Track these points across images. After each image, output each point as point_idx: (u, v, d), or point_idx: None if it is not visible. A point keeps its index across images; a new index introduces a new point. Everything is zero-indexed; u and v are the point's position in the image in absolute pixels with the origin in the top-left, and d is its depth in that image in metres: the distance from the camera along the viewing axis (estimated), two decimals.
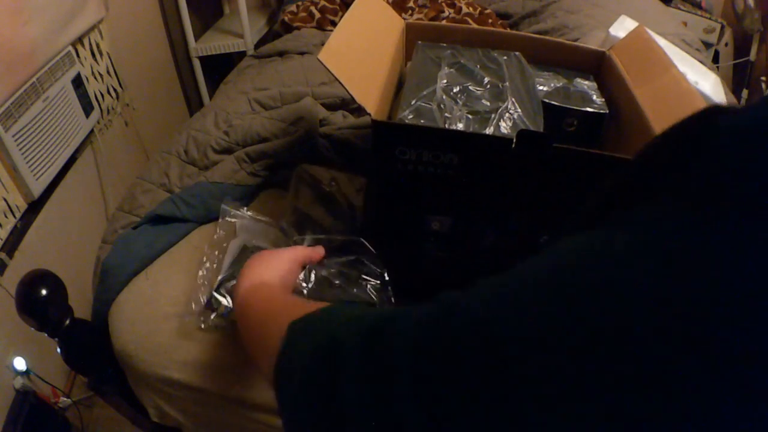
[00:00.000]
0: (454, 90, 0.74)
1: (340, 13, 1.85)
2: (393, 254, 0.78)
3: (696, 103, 0.68)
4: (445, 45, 0.85)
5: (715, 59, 2.23)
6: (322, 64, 0.63)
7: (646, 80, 0.76)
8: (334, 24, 1.83)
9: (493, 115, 0.71)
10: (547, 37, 0.90)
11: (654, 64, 0.77)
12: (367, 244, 0.74)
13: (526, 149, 0.62)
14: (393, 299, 0.71)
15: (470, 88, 0.75)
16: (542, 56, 0.88)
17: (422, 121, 0.68)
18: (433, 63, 0.80)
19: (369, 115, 0.64)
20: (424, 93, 0.72)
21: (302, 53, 1.62)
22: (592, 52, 0.89)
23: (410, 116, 0.69)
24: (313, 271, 0.69)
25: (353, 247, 0.74)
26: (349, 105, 1.26)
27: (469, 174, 0.66)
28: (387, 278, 0.72)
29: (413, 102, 0.71)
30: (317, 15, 1.82)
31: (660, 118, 0.68)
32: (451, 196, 0.70)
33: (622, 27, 1.24)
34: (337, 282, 0.68)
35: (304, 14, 1.83)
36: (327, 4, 1.85)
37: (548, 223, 0.71)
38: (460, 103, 0.72)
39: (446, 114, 0.70)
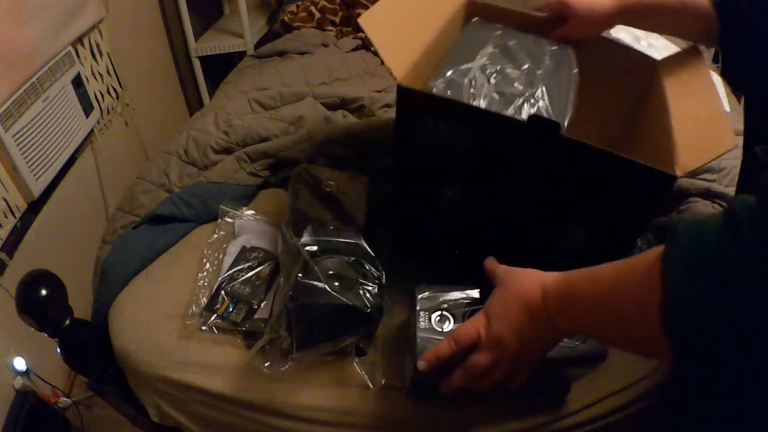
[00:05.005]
0: (489, 70, 0.75)
1: (340, 13, 1.85)
2: (411, 221, 0.81)
3: (721, 129, 0.67)
4: (499, 26, 0.85)
5: (715, 59, 2.22)
6: (360, 26, 0.66)
7: (683, 96, 0.76)
8: (334, 24, 1.82)
9: (520, 99, 0.71)
10: (605, 36, 0.89)
11: (696, 84, 0.77)
12: (366, 246, 0.74)
13: (535, 134, 0.63)
14: (390, 301, 0.71)
15: (506, 70, 0.76)
16: (596, 54, 0.87)
17: (449, 92, 0.70)
18: (480, 41, 0.81)
19: (395, 79, 0.67)
20: (462, 67, 0.74)
21: (302, 53, 1.62)
22: (644, 58, 0.88)
23: (441, 86, 0.71)
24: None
25: (352, 248, 0.74)
26: (349, 105, 1.26)
27: (482, 149, 0.67)
28: (384, 282, 0.72)
29: (448, 74, 0.72)
30: (317, 15, 1.82)
31: (684, 134, 0.67)
32: (465, 167, 0.71)
33: (623, 28, 1.23)
34: (336, 284, 0.68)
35: (304, 14, 1.83)
36: (327, 4, 1.85)
37: (556, 210, 0.72)
38: (492, 82, 0.73)
39: (472, 90, 0.71)
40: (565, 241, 0.74)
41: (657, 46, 0.91)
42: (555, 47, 0.83)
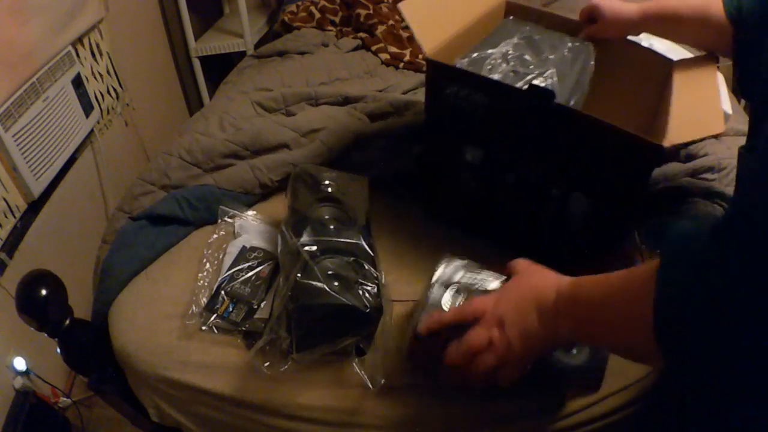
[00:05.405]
0: (511, 55, 0.84)
1: (340, 13, 1.85)
2: (438, 183, 0.94)
3: (712, 117, 0.71)
4: (531, 23, 0.92)
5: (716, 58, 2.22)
6: (398, 10, 0.75)
7: (687, 87, 0.80)
8: (334, 24, 1.82)
9: (530, 76, 0.80)
10: (630, 38, 0.94)
11: (702, 79, 0.82)
12: (366, 246, 0.74)
13: (533, 102, 0.70)
14: (392, 301, 0.71)
15: (525, 56, 0.84)
16: (621, 56, 0.92)
17: (470, 68, 0.81)
18: (508, 33, 0.89)
19: (424, 53, 0.78)
20: (487, 51, 0.85)
21: (302, 53, 1.62)
22: (662, 60, 0.92)
23: (465, 62, 0.82)
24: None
25: (352, 248, 0.74)
26: (352, 103, 1.26)
27: (493, 114, 0.78)
28: (384, 282, 0.72)
29: (474, 54, 0.84)
30: (317, 15, 1.82)
31: (679, 116, 0.71)
32: (481, 129, 0.81)
33: None
34: (335, 285, 0.68)
35: (304, 14, 1.83)
36: (327, 4, 1.85)
37: (559, 178, 0.78)
38: (511, 64, 0.82)
39: (490, 68, 0.82)
40: (569, 209, 0.79)
41: (658, 47, 0.93)
42: (577, 43, 0.89)
